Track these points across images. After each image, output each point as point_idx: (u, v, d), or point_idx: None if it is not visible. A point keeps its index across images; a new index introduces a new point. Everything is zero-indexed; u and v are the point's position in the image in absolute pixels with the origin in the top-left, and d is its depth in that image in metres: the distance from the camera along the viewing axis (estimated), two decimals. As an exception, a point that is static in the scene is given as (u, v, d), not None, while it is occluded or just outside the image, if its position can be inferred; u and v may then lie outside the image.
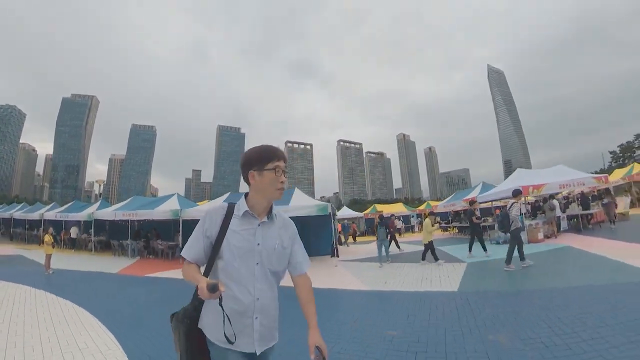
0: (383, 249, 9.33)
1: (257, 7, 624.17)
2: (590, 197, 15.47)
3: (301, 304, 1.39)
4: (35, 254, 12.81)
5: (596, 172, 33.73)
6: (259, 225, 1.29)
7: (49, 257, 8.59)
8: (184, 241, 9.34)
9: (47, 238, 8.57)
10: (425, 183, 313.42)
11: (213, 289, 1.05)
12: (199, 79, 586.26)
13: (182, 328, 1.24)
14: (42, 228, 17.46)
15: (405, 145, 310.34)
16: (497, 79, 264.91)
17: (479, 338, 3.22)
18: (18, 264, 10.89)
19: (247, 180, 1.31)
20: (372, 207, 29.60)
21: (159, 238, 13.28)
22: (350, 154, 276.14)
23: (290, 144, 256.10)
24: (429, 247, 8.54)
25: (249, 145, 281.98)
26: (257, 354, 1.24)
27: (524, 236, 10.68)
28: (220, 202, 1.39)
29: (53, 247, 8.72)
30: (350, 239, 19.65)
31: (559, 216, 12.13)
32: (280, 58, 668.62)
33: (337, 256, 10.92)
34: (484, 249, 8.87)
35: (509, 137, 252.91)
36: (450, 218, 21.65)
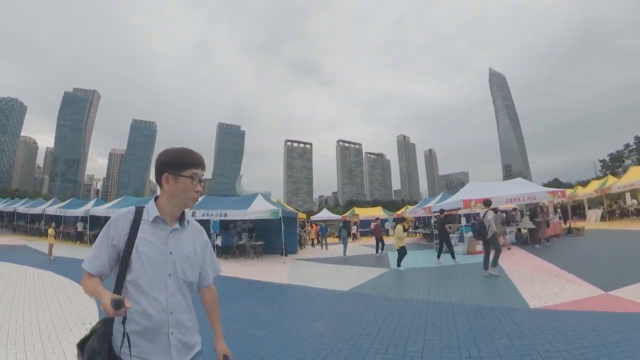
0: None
1: (259, 6, 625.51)
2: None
3: (207, 313, 1.39)
4: (38, 244, 14.78)
5: (592, 179, 33.55)
6: (171, 232, 1.22)
7: (51, 246, 10.62)
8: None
9: (51, 231, 10.66)
10: (425, 185, 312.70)
11: (117, 305, 0.95)
12: (200, 77, 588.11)
13: (103, 357, 1.08)
14: (43, 222, 19.52)
15: (405, 146, 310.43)
16: (498, 83, 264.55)
17: (309, 324, 4.09)
18: (25, 252, 12.82)
19: (159, 183, 1.24)
20: (351, 210, 31.60)
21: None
22: (349, 154, 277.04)
23: (289, 143, 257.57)
24: (402, 252, 8.77)
25: (248, 143, 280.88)
26: None
27: (463, 247, 11.47)
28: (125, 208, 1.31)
29: (55, 238, 10.75)
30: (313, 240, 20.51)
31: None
32: (282, 57, 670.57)
33: (286, 255, 12.57)
34: (452, 256, 9.47)
35: (508, 142, 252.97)
36: (416, 224, 23.57)
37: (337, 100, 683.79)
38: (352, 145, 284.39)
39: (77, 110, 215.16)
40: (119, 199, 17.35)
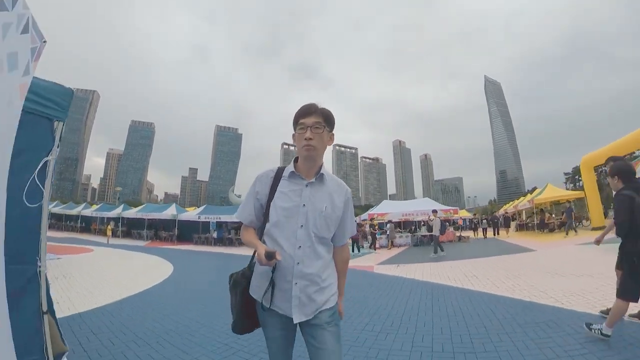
0: None
1: (260, 8, 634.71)
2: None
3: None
4: (82, 236, 20.75)
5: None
6: (307, 185, 1.29)
7: (109, 236, 17.24)
8: (179, 233, 18.22)
9: (109, 226, 17.30)
10: (420, 190, 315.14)
11: (269, 256, 1.09)
12: (199, 78, 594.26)
13: (238, 288, 1.31)
14: (79, 220, 25.52)
15: (401, 151, 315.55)
16: (493, 90, 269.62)
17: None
18: (83, 241, 18.51)
19: None
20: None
21: (164, 229, 21.22)
22: (345, 158, 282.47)
23: (286, 146, 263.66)
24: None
25: (245, 146, 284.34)
26: (295, 322, 1.20)
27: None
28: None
29: (111, 232, 17.36)
30: None
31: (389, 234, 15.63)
32: (281, 61, 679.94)
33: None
34: (356, 249, 13.45)
35: (503, 148, 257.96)
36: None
37: (334, 104, 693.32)
38: (348, 150, 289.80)
39: (76, 110, 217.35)
40: (144, 204, 23.48)
